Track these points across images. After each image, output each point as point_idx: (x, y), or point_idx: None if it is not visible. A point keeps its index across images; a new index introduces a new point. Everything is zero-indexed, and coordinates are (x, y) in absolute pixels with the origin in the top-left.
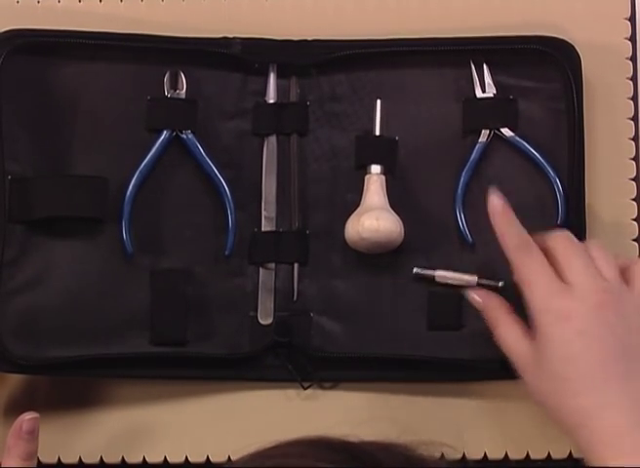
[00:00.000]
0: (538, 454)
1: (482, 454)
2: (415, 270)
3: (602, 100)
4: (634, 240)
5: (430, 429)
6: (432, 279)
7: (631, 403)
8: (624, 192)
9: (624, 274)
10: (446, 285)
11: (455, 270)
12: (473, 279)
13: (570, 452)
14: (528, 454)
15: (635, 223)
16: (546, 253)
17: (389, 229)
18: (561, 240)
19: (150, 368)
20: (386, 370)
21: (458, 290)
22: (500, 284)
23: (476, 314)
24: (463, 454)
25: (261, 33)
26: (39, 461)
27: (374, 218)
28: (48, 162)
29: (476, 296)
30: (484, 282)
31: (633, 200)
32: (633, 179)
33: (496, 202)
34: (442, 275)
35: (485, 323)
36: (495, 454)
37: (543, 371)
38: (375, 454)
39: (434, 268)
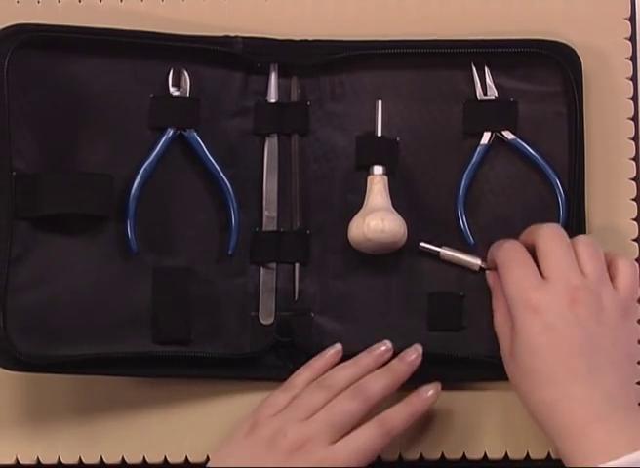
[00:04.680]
0: (538, 454)
1: (482, 454)
2: (421, 244)
3: (602, 100)
4: (634, 240)
5: (430, 429)
6: (437, 255)
7: (593, 397)
8: (624, 192)
9: (610, 269)
10: (449, 263)
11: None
12: (476, 262)
13: None
14: (528, 454)
15: (635, 223)
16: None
17: (394, 230)
18: (545, 233)
19: (152, 367)
20: None
21: (458, 293)
22: None
23: (475, 315)
24: (464, 454)
25: (262, 33)
26: (39, 461)
27: (379, 219)
28: (53, 158)
29: (490, 279)
30: (486, 265)
31: (633, 200)
32: (633, 179)
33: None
34: (446, 253)
35: (484, 324)
36: (495, 454)
37: (516, 361)
38: None
39: (440, 245)
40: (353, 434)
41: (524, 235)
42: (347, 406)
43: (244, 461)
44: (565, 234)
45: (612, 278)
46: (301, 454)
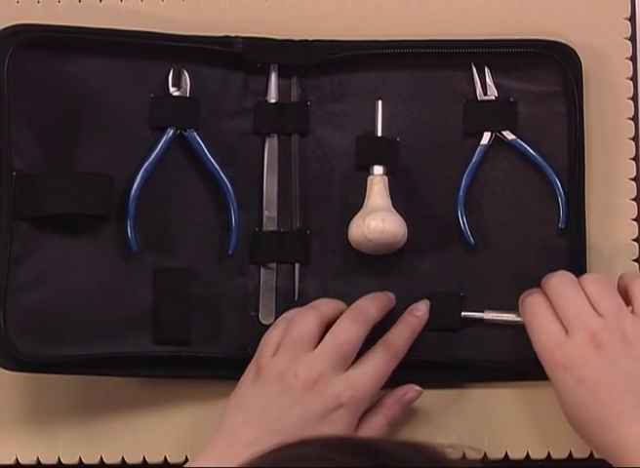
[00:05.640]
0: (538, 454)
1: (482, 454)
2: (462, 314)
3: (602, 100)
4: (634, 240)
5: (429, 430)
6: (481, 320)
7: None
8: (624, 192)
9: (627, 295)
10: (495, 324)
11: (498, 312)
12: (520, 318)
13: (570, 452)
14: (528, 454)
15: (635, 223)
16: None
17: (395, 230)
18: (552, 284)
19: (152, 367)
20: None
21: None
22: None
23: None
24: (463, 454)
25: (262, 33)
26: (39, 461)
27: (379, 220)
28: (53, 158)
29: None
30: None
31: (633, 200)
32: (633, 179)
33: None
34: (490, 316)
35: (484, 325)
36: (495, 454)
37: (568, 415)
38: (394, 453)
39: (482, 310)
40: (363, 361)
41: (542, 284)
42: (351, 331)
43: (257, 408)
44: (572, 279)
45: (630, 304)
46: (318, 390)
